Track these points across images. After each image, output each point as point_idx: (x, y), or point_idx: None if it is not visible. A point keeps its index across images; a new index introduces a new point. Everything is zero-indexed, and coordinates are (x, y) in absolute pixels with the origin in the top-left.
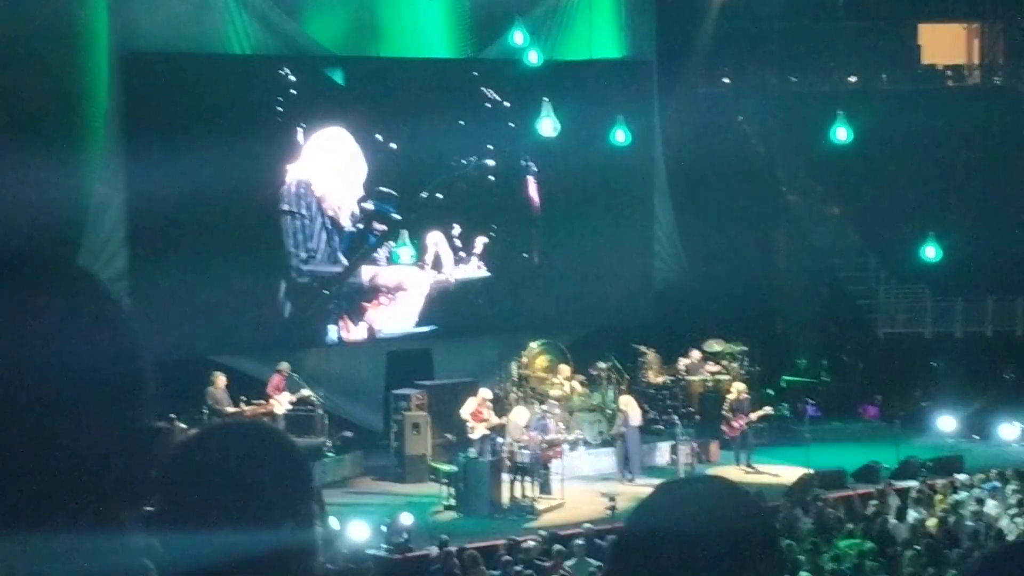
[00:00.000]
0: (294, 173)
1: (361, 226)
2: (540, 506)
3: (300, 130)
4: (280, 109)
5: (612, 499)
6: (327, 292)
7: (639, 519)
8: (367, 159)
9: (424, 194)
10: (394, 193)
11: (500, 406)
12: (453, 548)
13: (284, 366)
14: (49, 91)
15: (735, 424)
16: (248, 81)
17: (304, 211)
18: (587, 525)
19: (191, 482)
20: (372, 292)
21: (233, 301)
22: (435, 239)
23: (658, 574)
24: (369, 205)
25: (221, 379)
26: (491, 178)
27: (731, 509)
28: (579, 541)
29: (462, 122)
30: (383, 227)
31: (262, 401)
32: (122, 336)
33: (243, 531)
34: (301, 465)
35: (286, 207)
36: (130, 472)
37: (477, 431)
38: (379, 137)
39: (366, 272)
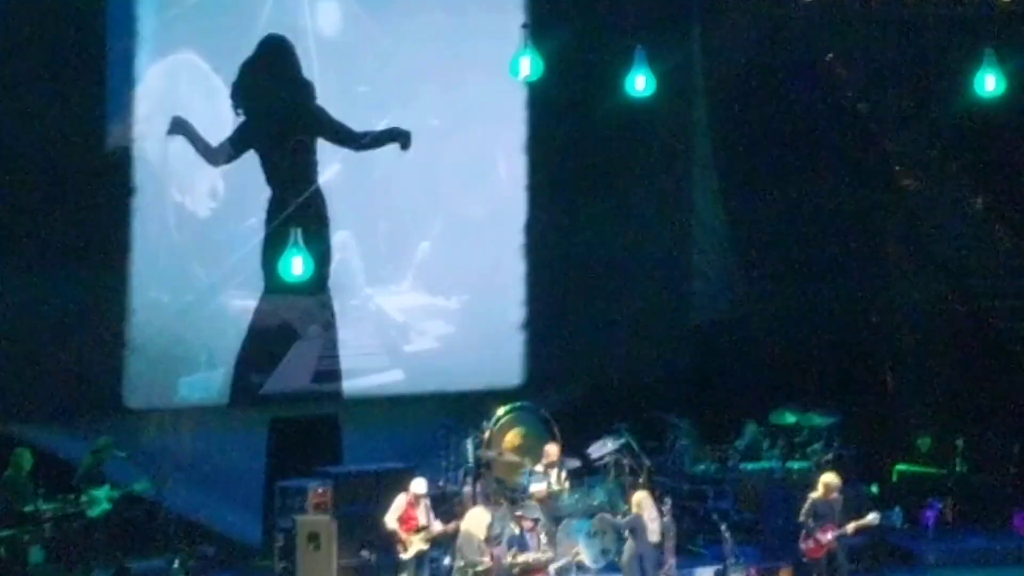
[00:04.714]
0: (124, 136)
1: (264, 214)
2: None
3: (136, 69)
4: (106, 38)
5: None
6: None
7: None
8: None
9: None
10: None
11: (449, 507)
12: None
13: (103, 442)
14: None
15: (820, 538)
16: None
17: (134, 203)
18: None
19: None
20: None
21: (33, 344)
22: (342, 241)
23: None
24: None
25: (27, 460)
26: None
27: None
28: None
29: (393, 56)
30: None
31: (70, 496)
32: None
33: None
34: None
35: (106, 198)
36: None
37: (411, 546)
38: (260, 81)
39: (238, 300)
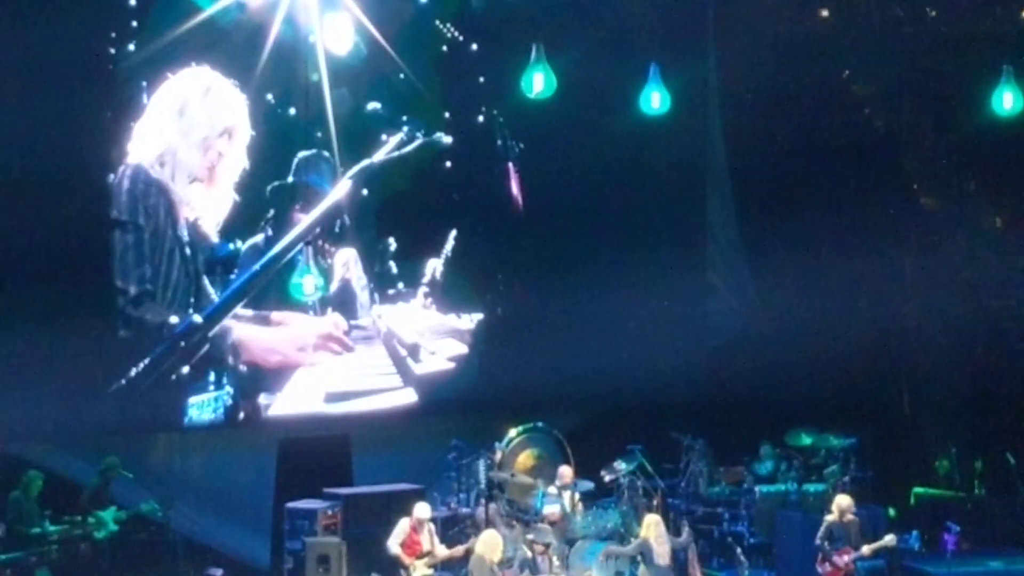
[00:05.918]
0: (131, 153)
1: (270, 231)
2: None
3: (144, 85)
4: (113, 52)
5: None
6: (184, 344)
7: None
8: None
9: (345, 184)
10: (325, 155)
11: (461, 529)
12: None
13: (110, 462)
14: None
15: (837, 561)
16: (64, 13)
17: (142, 219)
18: None
19: None
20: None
21: (39, 365)
22: (345, 259)
23: None
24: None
25: (37, 485)
26: (447, 164)
27: None
28: None
29: (403, 74)
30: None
31: (76, 517)
32: None
33: None
34: None
35: (115, 214)
36: None
37: (414, 572)
38: (269, 97)
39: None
